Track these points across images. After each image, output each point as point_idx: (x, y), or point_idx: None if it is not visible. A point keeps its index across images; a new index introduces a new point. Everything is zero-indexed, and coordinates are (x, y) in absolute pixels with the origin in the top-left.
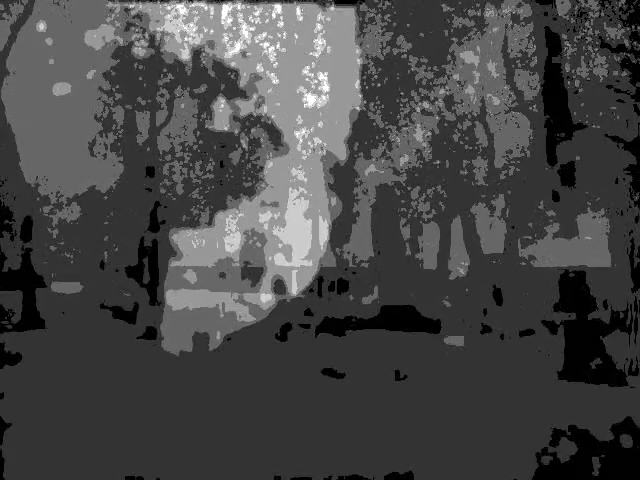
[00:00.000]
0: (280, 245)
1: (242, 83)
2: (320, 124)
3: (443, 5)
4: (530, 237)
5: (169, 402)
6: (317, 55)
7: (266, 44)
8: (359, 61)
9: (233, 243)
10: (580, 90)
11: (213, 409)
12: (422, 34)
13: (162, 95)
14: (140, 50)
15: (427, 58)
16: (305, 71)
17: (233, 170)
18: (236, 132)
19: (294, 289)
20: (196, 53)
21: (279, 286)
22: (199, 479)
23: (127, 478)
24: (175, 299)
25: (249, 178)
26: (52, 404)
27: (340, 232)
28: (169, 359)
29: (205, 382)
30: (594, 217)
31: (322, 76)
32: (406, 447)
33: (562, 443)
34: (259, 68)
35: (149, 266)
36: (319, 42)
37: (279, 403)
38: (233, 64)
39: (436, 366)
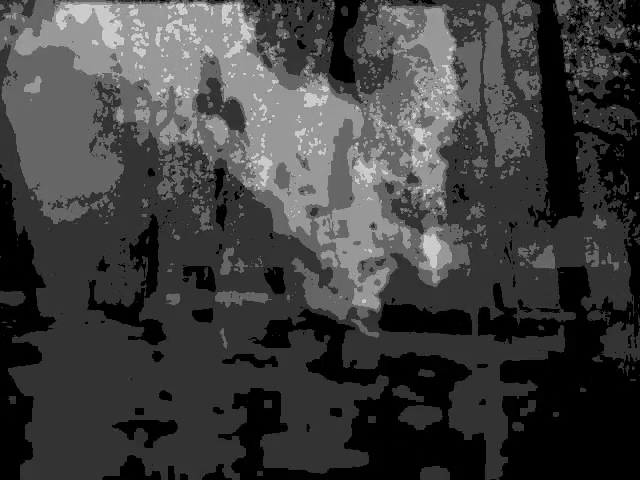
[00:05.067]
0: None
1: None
2: (320, 124)
3: (444, 5)
4: (530, 236)
5: (173, 402)
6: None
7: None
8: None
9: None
10: (580, 90)
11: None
12: (422, 34)
13: (163, 95)
14: (140, 50)
15: (427, 58)
16: (305, 71)
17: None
18: (237, 133)
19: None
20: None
21: (278, 285)
22: (197, 476)
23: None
24: (176, 299)
25: (249, 178)
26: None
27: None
28: (169, 360)
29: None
30: (594, 217)
31: (322, 76)
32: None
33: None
34: (259, 67)
35: (149, 266)
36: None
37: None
38: (234, 65)
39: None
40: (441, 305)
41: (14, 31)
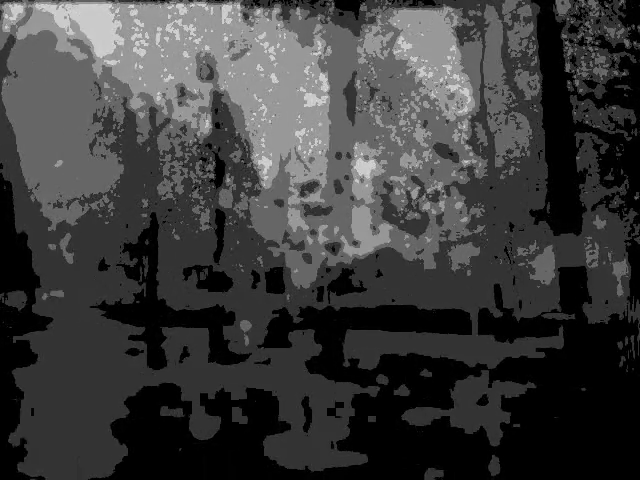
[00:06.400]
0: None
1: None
2: (320, 124)
3: (444, 5)
4: (530, 236)
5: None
6: (317, 55)
7: (266, 44)
8: (359, 61)
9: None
10: (580, 90)
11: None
12: (422, 34)
13: (163, 95)
14: (140, 50)
15: (427, 58)
16: (305, 71)
17: (233, 170)
18: (237, 132)
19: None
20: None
21: (277, 284)
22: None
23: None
24: (175, 299)
25: (249, 178)
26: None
27: (340, 232)
28: (169, 362)
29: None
30: (593, 217)
31: (322, 76)
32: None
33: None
34: (259, 68)
35: (149, 266)
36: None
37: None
38: (233, 65)
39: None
40: (441, 305)
41: (14, 30)
